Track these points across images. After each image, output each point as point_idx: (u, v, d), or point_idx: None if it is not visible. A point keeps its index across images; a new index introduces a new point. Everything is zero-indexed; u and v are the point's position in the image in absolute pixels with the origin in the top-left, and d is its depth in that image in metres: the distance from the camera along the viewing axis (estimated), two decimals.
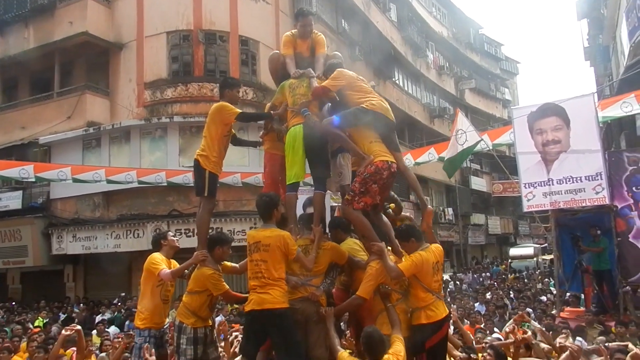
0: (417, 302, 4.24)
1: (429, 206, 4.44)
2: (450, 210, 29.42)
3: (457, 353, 4.77)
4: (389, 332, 4.02)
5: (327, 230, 4.90)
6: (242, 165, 16.54)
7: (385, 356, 3.72)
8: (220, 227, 15.90)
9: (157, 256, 4.85)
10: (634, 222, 9.43)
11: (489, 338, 6.34)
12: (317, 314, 4.25)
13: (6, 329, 10.14)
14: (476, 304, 12.99)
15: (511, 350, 5.22)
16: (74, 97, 17.76)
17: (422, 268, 4.23)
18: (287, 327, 4.11)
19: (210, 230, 5.32)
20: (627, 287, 9.82)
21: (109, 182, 15.32)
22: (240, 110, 4.96)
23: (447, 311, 4.35)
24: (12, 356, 6.48)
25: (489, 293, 15.31)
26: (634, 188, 9.45)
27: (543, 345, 5.34)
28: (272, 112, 5.20)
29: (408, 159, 14.62)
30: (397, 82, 26.30)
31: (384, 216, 4.79)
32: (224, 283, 4.68)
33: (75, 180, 15.05)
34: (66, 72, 18.92)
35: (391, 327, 4.07)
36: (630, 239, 9.45)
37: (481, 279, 21.67)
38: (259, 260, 4.18)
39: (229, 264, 5.00)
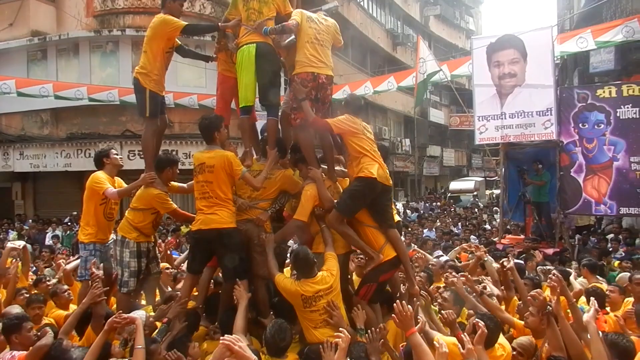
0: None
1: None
2: (407, 141, 29.81)
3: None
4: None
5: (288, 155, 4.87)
6: (199, 87, 16.07)
7: (319, 273, 3.89)
8: (176, 150, 15.71)
9: (100, 175, 4.75)
10: (577, 157, 9.85)
11: (434, 260, 6.68)
12: (258, 237, 4.33)
13: None
14: (425, 230, 13.56)
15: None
16: (16, 2, 16.43)
17: None
18: (234, 245, 4.18)
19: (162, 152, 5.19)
20: (562, 215, 10.41)
21: (57, 97, 14.67)
22: (186, 23, 4.69)
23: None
24: None
25: (438, 221, 15.97)
26: (580, 125, 9.78)
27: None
28: (220, 24, 4.96)
29: (367, 87, 14.57)
30: (361, 3, 25.50)
31: (328, 136, 4.77)
32: (171, 202, 4.67)
33: (20, 94, 14.36)
34: None
35: (324, 246, 4.23)
36: (572, 173, 9.92)
37: (432, 208, 22.48)
38: (204, 181, 4.17)
39: (176, 184, 4.95)
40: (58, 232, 13.41)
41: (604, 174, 9.58)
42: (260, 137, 5.18)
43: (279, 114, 4.91)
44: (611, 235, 10.70)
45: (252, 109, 4.98)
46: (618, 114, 9.36)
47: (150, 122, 4.74)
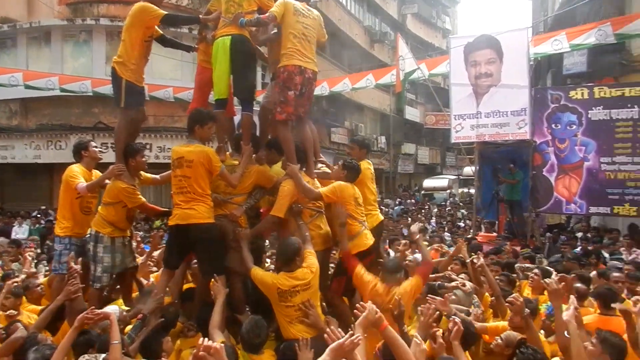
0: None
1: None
2: (382, 139, 29.98)
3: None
4: None
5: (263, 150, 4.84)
6: (175, 79, 15.85)
7: (299, 269, 3.88)
8: (150, 143, 15.49)
9: (75, 168, 4.62)
10: (549, 157, 10.07)
11: (411, 257, 6.73)
12: (233, 233, 4.29)
13: None
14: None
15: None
16: None
17: (343, 195, 4.30)
18: (212, 241, 4.14)
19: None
20: (533, 214, 10.64)
21: (28, 87, 14.21)
22: (166, 12, 4.60)
23: (373, 240, 4.48)
24: None
25: (410, 218, 16.12)
26: (553, 125, 9.99)
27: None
28: (201, 16, 4.90)
29: (346, 84, 14.60)
30: (340, 0, 25.45)
31: (308, 131, 4.75)
32: (139, 196, 4.59)
33: None
34: None
35: (303, 243, 4.18)
36: (544, 173, 10.14)
37: (405, 206, 22.67)
38: (182, 176, 4.09)
39: (148, 175, 4.88)
40: (25, 225, 13.05)
41: (574, 174, 9.82)
42: (236, 132, 5.12)
43: (258, 108, 4.86)
44: (580, 234, 10.96)
45: (229, 103, 4.90)
46: (589, 116, 9.60)
47: (125, 113, 4.65)
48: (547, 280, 3.39)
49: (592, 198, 9.70)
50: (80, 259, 4.21)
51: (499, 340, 3.49)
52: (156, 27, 4.75)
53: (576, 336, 3.01)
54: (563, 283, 3.32)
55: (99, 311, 3.35)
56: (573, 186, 9.85)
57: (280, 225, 4.51)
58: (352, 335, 2.56)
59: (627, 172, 9.31)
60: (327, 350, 2.49)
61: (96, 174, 4.79)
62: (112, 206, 4.52)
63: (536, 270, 5.25)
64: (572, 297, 3.31)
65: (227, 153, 4.87)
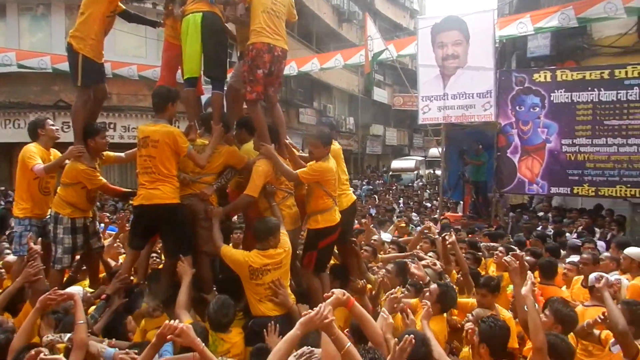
0: (316, 206, 4.33)
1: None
2: (351, 120, 30.02)
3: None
4: None
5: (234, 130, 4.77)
6: (139, 57, 15.43)
7: (271, 248, 3.88)
8: (114, 123, 15.13)
9: (32, 148, 4.48)
10: (513, 139, 10.29)
11: (375, 237, 6.82)
12: (205, 211, 4.25)
13: None
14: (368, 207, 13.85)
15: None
16: None
17: (322, 177, 4.26)
18: (177, 222, 4.08)
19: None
20: (497, 194, 10.91)
21: None
22: None
23: (340, 217, 4.47)
24: None
25: (378, 199, 16.34)
26: (517, 107, 10.20)
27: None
28: None
29: (314, 64, 14.51)
30: None
31: (280, 110, 4.71)
32: (99, 178, 4.47)
33: None
34: None
35: None
36: (508, 154, 10.36)
37: (374, 186, 22.93)
38: (147, 156, 4.00)
39: (112, 154, 4.77)
40: None
41: (537, 155, 10.07)
42: (203, 112, 5.03)
43: (225, 87, 4.78)
44: (541, 214, 11.30)
45: (198, 82, 4.81)
46: (552, 98, 9.82)
47: (83, 92, 4.48)
48: (506, 258, 3.51)
49: (553, 179, 9.98)
50: (40, 240, 4.11)
51: (470, 317, 3.63)
52: (119, 2, 4.61)
53: (533, 310, 3.13)
54: (518, 261, 3.45)
55: (62, 292, 3.28)
56: (535, 167, 10.11)
57: (248, 205, 4.48)
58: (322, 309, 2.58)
59: (586, 154, 9.59)
60: (297, 324, 2.51)
61: (55, 153, 4.66)
62: (71, 187, 4.41)
63: (501, 248, 5.42)
64: (529, 273, 3.42)
65: (198, 132, 4.78)
